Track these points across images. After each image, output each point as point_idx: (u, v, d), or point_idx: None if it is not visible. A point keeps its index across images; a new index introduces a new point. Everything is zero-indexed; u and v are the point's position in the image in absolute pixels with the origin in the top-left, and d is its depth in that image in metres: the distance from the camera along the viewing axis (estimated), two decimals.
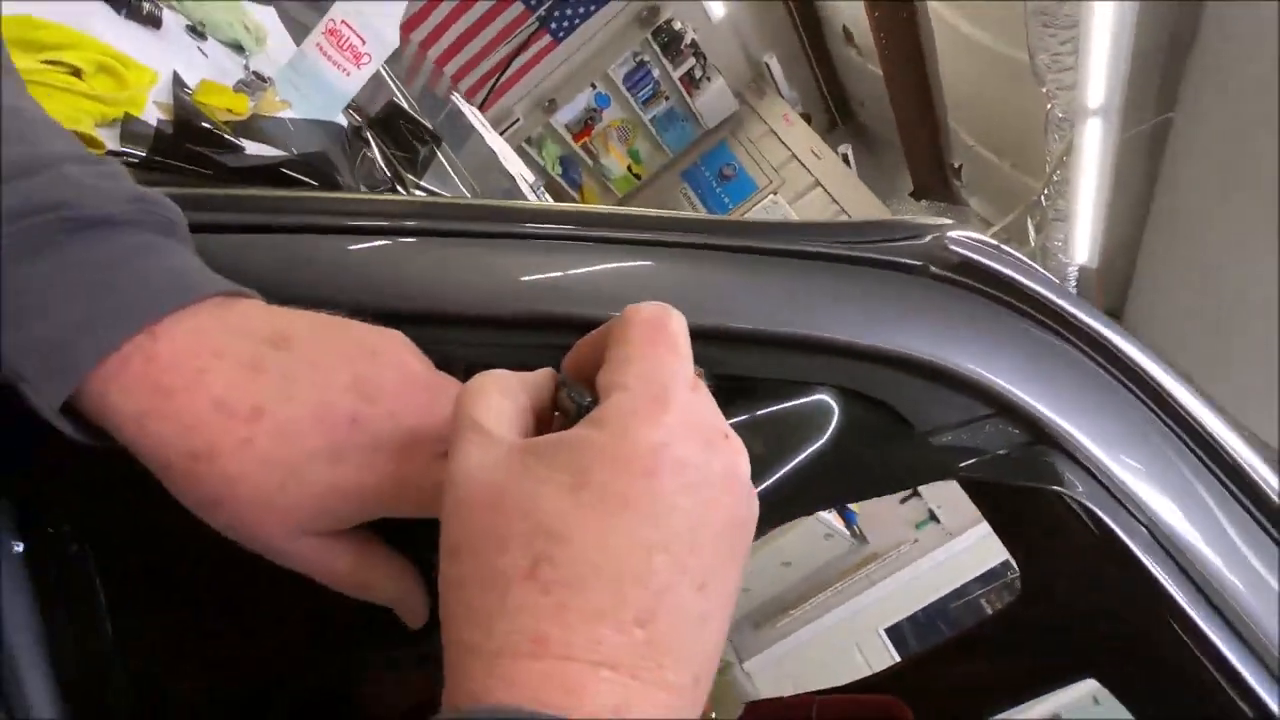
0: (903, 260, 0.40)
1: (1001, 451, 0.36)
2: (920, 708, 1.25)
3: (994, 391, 0.37)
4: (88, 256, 0.28)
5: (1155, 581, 0.35)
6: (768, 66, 4.72)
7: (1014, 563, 0.99)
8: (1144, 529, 0.36)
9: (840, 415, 0.37)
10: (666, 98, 4.66)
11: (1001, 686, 1.23)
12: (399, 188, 1.09)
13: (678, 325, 0.28)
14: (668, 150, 4.92)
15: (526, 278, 0.38)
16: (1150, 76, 2.45)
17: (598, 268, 0.39)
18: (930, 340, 0.37)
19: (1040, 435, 0.37)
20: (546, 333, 0.37)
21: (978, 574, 4.15)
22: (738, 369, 0.36)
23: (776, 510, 0.34)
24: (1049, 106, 2.69)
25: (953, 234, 0.42)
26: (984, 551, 4.08)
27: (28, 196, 0.28)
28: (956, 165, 4.46)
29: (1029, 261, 0.43)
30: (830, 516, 3.91)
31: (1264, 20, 2.06)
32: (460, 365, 0.35)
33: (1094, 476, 0.36)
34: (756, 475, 0.28)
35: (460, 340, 0.36)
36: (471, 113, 2.25)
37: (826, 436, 0.37)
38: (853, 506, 4.37)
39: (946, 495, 4.21)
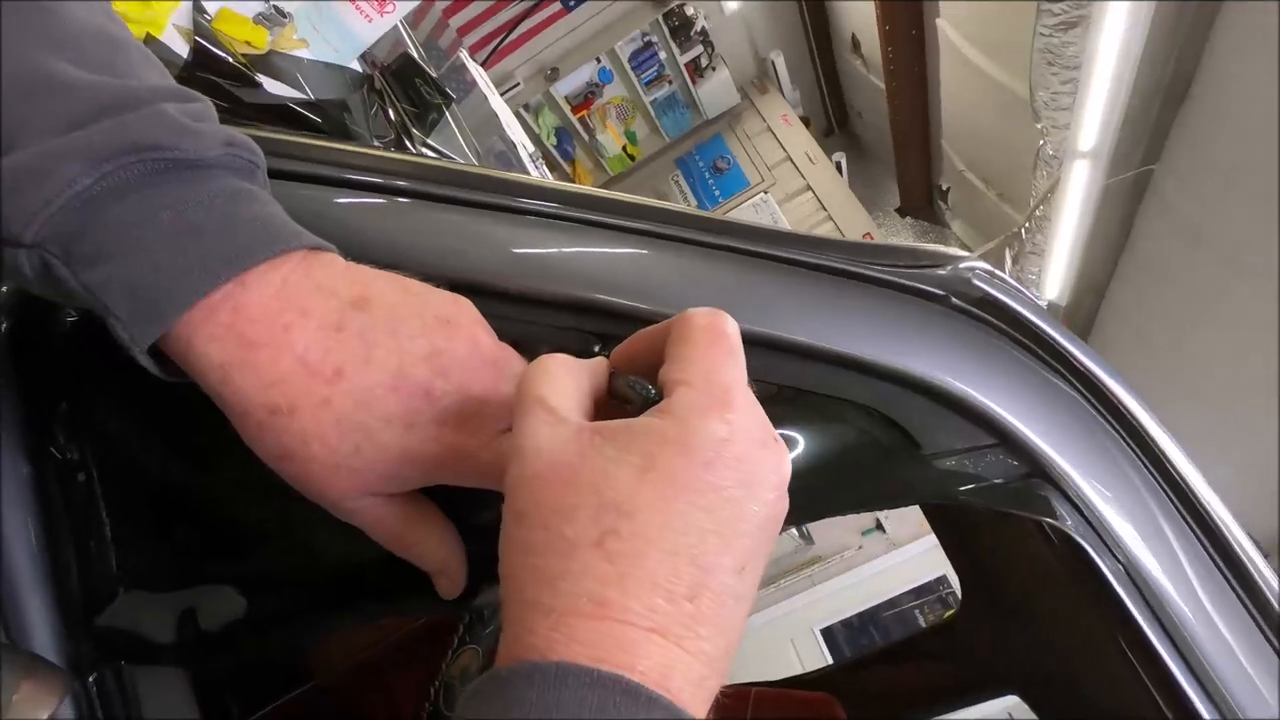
0: (925, 288, 0.42)
1: (999, 480, 0.39)
2: (851, 707, 1.30)
3: (999, 423, 0.39)
4: (180, 199, 0.28)
5: (1130, 617, 0.38)
6: (773, 65, 4.72)
7: (957, 579, 1.03)
8: (1122, 567, 0.38)
9: (854, 429, 0.39)
10: (670, 82, 4.63)
11: (928, 695, 1.29)
12: (406, 143, 1.07)
13: (735, 331, 0.30)
14: (665, 135, 4.89)
15: (568, 260, 0.39)
16: (1140, 126, 2.53)
17: (636, 258, 0.40)
18: (945, 368, 0.39)
19: (1036, 469, 0.39)
20: (579, 315, 0.38)
21: (913, 586, 4.29)
22: (766, 374, 0.37)
23: (789, 514, 0.35)
24: (1041, 143, 2.76)
25: (975, 266, 0.43)
26: (922, 565, 4.22)
27: (124, 135, 0.28)
28: (944, 188, 4.54)
29: (1036, 299, 0.45)
30: None
31: (1254, 85, 2.14)
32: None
33: (1081, 513, 0.39)
34: None
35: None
36: (476, 71, 2.21)
37: (840, 448, 0.38)
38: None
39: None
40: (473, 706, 0.24)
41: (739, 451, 0.27)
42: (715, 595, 0.25)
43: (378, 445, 0.30)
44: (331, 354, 0.30)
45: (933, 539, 1.02)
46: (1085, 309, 3.64)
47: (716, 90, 4.63)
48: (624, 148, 4.86)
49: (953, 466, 0.38)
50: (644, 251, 0.41)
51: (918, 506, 0.97)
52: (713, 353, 0.29)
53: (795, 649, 4.24)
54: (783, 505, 0.28)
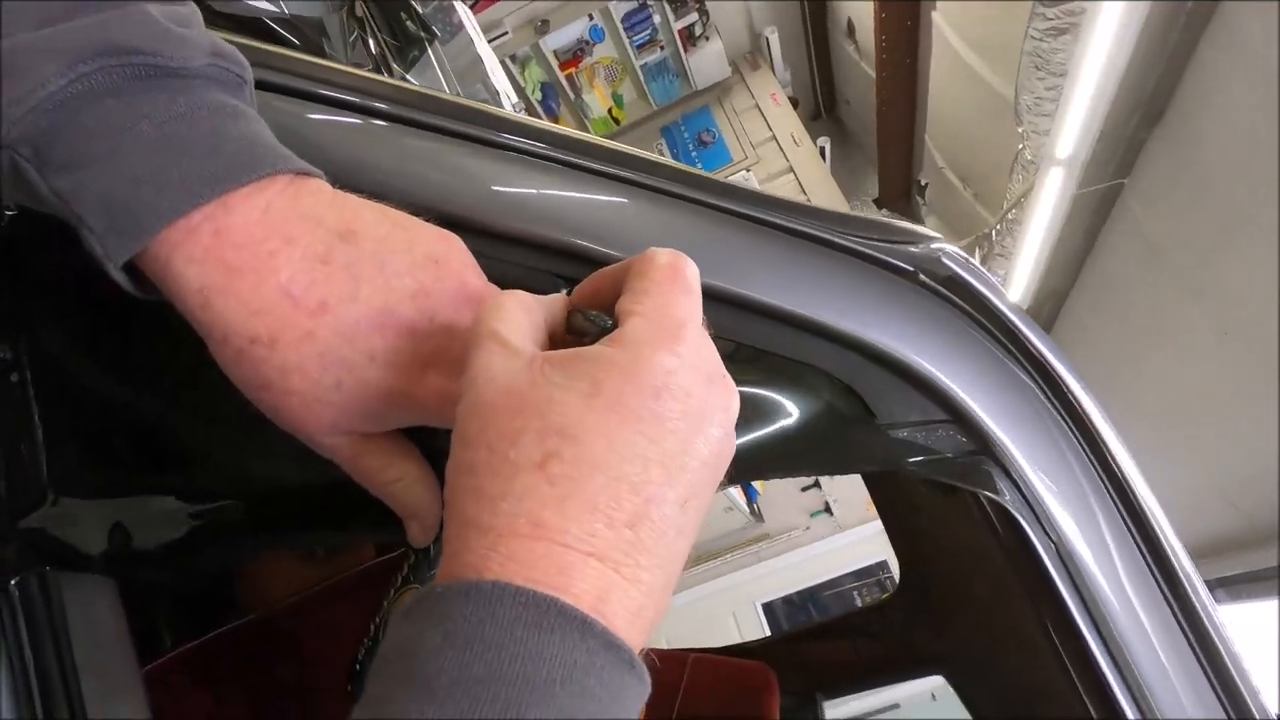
0: (895, 263, 0.42)
1: (947, 455, 0.40)
2: (784, 677, 1.35)
3: (953, 400, 0.40)
4: (160, 109, 0.27)
5: (1057, 594, 0.40)
6: (767, 41, 4.67)
7: (896, 561, 1.07)
8: (1054, 546, 0.40)
9: (811, 393, 0.39)
10: (662, 47, 4.55)
11: (858, 670, 1.34)
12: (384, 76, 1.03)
13: (693, 272, 0.30)
14: (652, 101, 4.82)
15: (545, 198, 0.38)
16: (1115, 140, 2.58)
17: (615, 206, 0.39)
18: (907, 342, 0.40)
19: (984, 447, 0.40)
20: (552, 258, 0.38)
21: (854, 569, 4.44)
22: (730, 332, 0.37)
23: (738, 469, 0.36)
24: (1021, 147, 2.79)
25: (945, 248, 0.44)
26: (865, 549, 4.36)
27: (104, 35, 0.26)
28: (923, 183, 4.59)
29: (1000, 288, 0.46)
30: (734, 492, 4.07)
31: (1229, 112, 2.19)
32: None
33: (1021, 492, 0.40)
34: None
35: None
36: (465, 13, 2.14)
37: (797, 410, 0.39)
38: (756, 486, 4.55)
39: (844, 492, 4.45)
40: (406, 621, 0.24)
41: (686, 384, 0.27)
42: (656, 525, 0.25)
43: (359, 382, 0.30)
44: (317, 286, 0.29)
45: (877, 525, 1.05)
46: (1045, 315, 3.74)
47: (708, 61, 4.57)
48: (609, 110, 4.77)
49: (904, 437, 0.39)
50: (623, 200, 0.40)
51: (866, 491, 1.00)
52: (668, 288, 0.29)
53: (736, 621, 4.36)
54: (729, 444, 0.29)
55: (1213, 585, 3.00)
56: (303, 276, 0.29)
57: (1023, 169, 2.89)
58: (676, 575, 0.27)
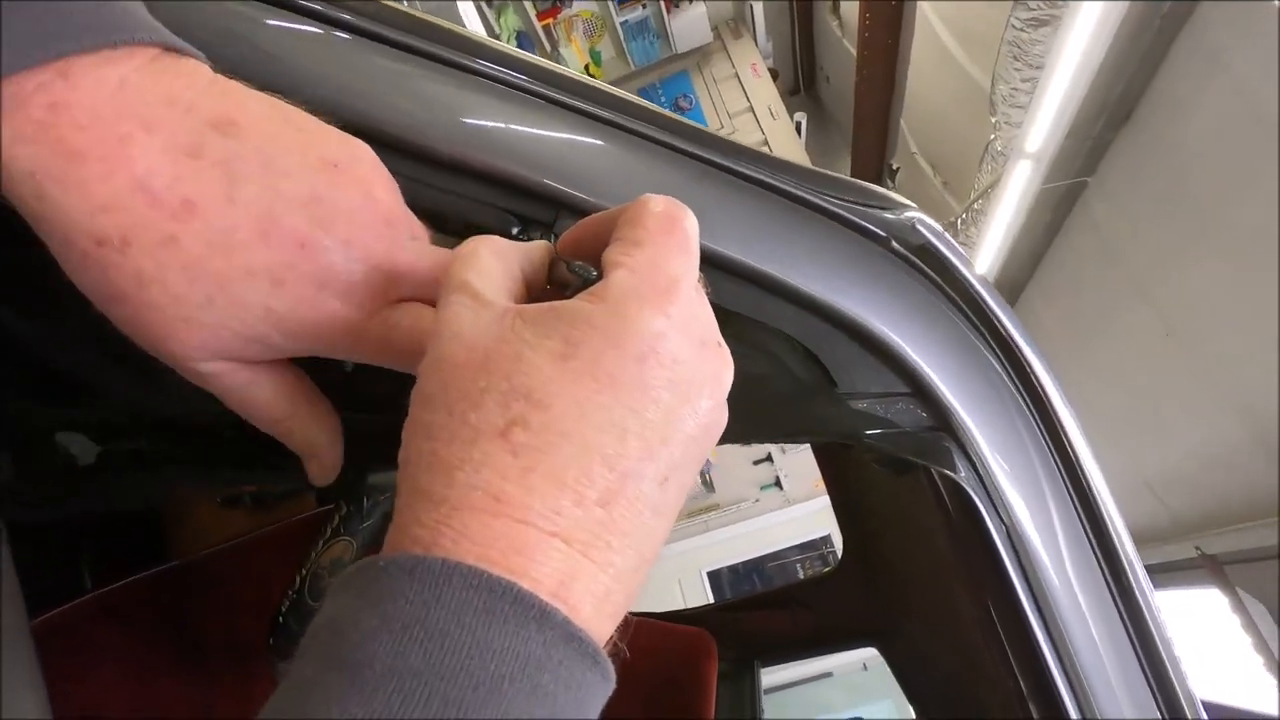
0: (869, 227, 0.40)
1: (906, 429, 0.38)
2: (723, 644, 1.37)
3: (916, 374, 0.38)
4: None
5: (1005, 575, 0.39)
6: (751, 9, 4.59)
7: (840, 536, 1.09)
8: (1005, 528, 0.39)
9: (773, 358, 0.37)
10: (644, 6, 4.43)
11: (794, 639, 1.38)
12: None
13: (692, 225, 0.27)
14: (630, 61, 4.70)
15: (502, 129, 0.35)
16: (1083, 138, 2.62)
17: (583, 145, 0.36)
18: (874, 310, 0.38)
19: (943, 423, 0.39)
20: (499, 190, 0.35)
21: (799, 542, 4.55)
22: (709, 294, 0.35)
23: None
24: (992, 137, 2.81)
25: (920, 216, 0.42)
26: (811, 523, 4.48)
27: None
28: (895, 167, 4.60)
29: (971, 262, 0.45)
30: None
31: (1193, 120, 2.24)
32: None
33: (976, 471, 0.39)
34: None
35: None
36: None
37: (757, 375, 0.37)
38: (709, 456, 4.60)
39: (794, 466, 4.54)
40: (343, 594, 0.21)
41: (675, 350, 0.24)
42: (630, 504, 0.23)
43: (235, 301, 0.25)
44: (182, 183, 0.24)
45: (825, 500, 1.06)
46: None
47: (690, 24, 4.47)
48: (586, 67, 4.64)
49: (863, 409, 0.38)
50: (595, 141, 0.37)
51: (816, 467, 1.01)
52: (662, 240, 0.25)
53: (681, 588, 4.44)
54: (720, 416, 0.26)
55: None
56: (164, 171, 0.24)
57: (992, 160, 2.91)
58: (652, 558, 0.24)
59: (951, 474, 0.38)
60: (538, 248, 0.28)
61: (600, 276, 0.25)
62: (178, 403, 0.35)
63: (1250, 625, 2.36)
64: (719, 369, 0.26)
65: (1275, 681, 2.27)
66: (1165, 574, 2.99)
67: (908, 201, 0.44)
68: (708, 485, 4.62)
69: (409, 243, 0.29)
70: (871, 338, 0.38)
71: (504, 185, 0.34)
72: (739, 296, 0.36)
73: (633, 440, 0.23)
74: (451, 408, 0.23)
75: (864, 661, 4.03)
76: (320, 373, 0.31)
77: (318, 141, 0.27)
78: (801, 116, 4.57)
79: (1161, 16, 2.16)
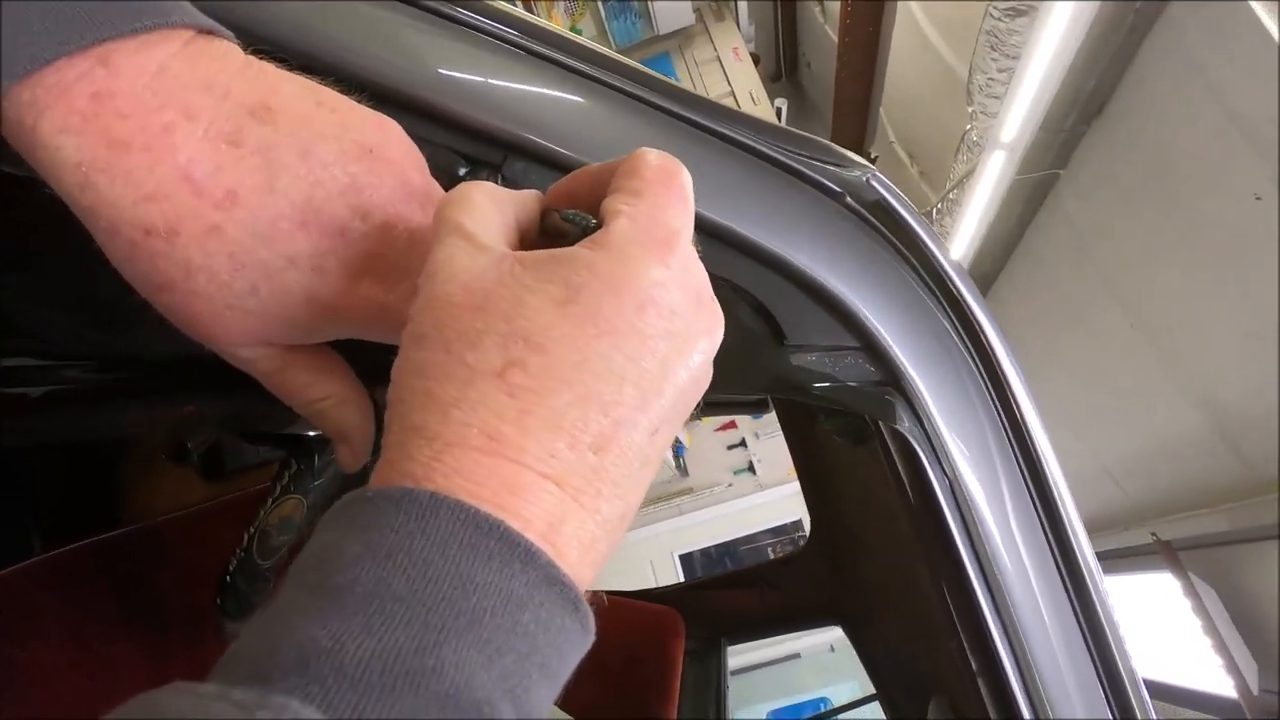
0: (825, 183, 0.40)
1: (853, 383, 0.39)
2: (692, 622, 1.38)
3: (865, 328, 0.38)
4: None
5: (945, 527, 0.40)
6: None
7: (807, 514, 1.10)
8: (949, 482, 0.40)
9: (724, 308, 0.37)
10: None
11: (760, 618, 1.40)
12: None
13: (688, 180, 0.27)
14: (612, 40, 4.65)
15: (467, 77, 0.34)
16: (1056, 131, 2.65)
17: (535, 85, 0.35)
18: (826, 264, 0.38)
19: (891, 378, 0.39)
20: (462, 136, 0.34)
21: (771, 526, 4.60)
22: None
23: None
24: (969, 127, 2.84)
25: (878, 176, 0.42)
26: (783, 508, 4.53)
27: None
28: (873, 156, 4.63)
29: (925, 220, 0.45)
30: None
31: (1162, 117, 2.27)
32: None
33: (922, 426, 0.39)
34: None
35: None
36: None
37: None
38: (683, 440, 4.62)
39: (767, 452, 4.58)
40: (330, 525, 0.21)
41: (673, 301, 0.24)
42: (622, 452, 0.23)
43: (278, 287, 0.26)
44: (224, 172, 0.24)
45: (797, 485, 1.07)
46: None
47: (672, 5, 4.43)
48: None
49: (811, 362, 0.38)
50: (548, 84, 0.37)
51: (786, 447, 1.01)
52: (662, 191, 0.26)
53: (653, 569, 4.47)
54: (707, 373, 0.26)
55: None
56: (206, 159, 0.24)
57: (968, 150, 2.94)
58: (635, 509, 0.24)
59: (896, 426, 0.38)
60: (531, 196, 0.29)
61: (599, 225, 0.25)
62: (133, 344, 0.35)
63: (1200, 609, 2.44)
64: (713, 324, 0.26)
65: (1222, 662, 2.36)
66: (1123, 559, 3.07)
67: (864, 160, 0.44)
68: (682, 469, 4.64)
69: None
70: (822, 291, 0.38)
71: (451, 125, 0.34)
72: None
73: (629, 388, 0.23)
74: (448, 346, 0.23)
75: (831, 643, 4.10)
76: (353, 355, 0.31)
77: (353, 125, 0.27)
78: (782, 103, 4.57)
79: (1135, 12, 2.18)
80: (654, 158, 0.27)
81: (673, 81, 0.39)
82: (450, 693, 0.17)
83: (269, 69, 0.27)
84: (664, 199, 0.26)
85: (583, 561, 0.22)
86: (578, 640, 0.21)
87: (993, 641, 0.43)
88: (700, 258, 0.37)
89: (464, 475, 0.21)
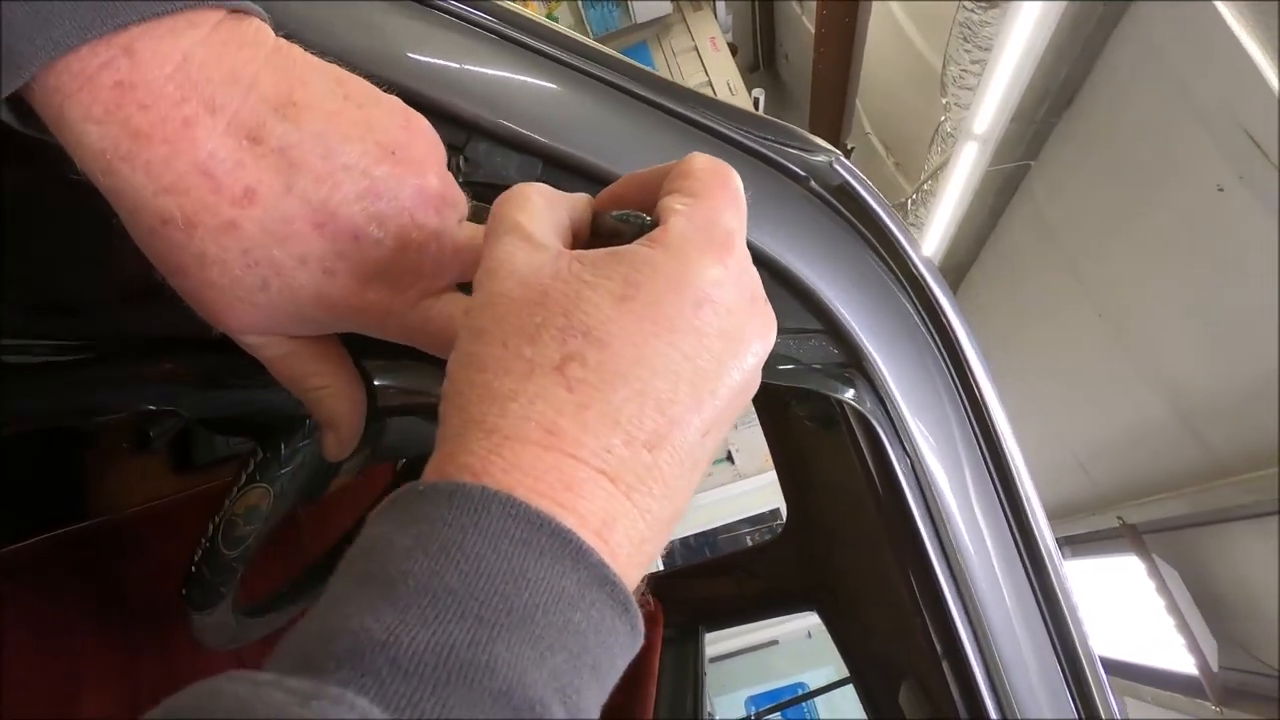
0: (789, 166, 0.40)
1: (817, 366, 0.39)
2: (670, 609, 1.39)
3: (829, 311, 0.39)
4: None
5: (906, 505, 0.40)
6: None
7: (784, 502, 1.11)
8: (909, 460, 0.41)
9: None
10: None
11: (738, 604, 1.41)
12: None
13: (740, 184, 0.27)
14: (589, 29, 4.62)
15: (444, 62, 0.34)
16: (1027, 122, 2.69)
17: (500, 67, 0.35)
18: (788, 245, 0.38)
19: (854, 360, 0.40)
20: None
21: (749, 515, 4.64)
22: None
23: None
24: (943, 119, 2.86)
25: (843, 160, 0.43)
26: (761, 497, 4.56)
27: None
28: (849, 147, 4.65)
29: (889, 205, 0.46)
30: None
31: (1128, 109, 2.32)
32: None
33: (885, 407, 0.40)
34: None
35: None
36: None
37: None
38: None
39: (746, 442, 4.61)
40: (381, 519, 0.21)
41: (730, 301, 0.24)
42: (675, 452, 0.23)
43: (289, 285, 0.26)
44: (244, 169, 0.24)
45: (774, 475, 1.08)
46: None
47: None
48: None
49: (775, 345, 0.38)
50: (512, 66, 0.36)
51: (761, 445, 1.02)
52: (719, 193, 0.26)
53: None
54: (757, 377, 0.26)
55: (1062, 542, 3.33)
56: (226, 155, 0.24)
57: (942, 141, 2.97)
58: (683, 513, 0.24)
59: (858, 406, 0.39)
60: (582, 199, 0.29)
61: (655, 223, 0.26)
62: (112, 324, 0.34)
63: (1164, 589, 2.51)
64: (767, 327, 0.26)
65: (1184, 641, 2.43)
66: (1090, 543, 3.15)
67: (828, 145, 0.45)
68: None
69: (457, 226, 0.29)
70: (785, 275, 0.38)
71: (413, 104, 0.33)
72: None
73: (684, 387, 0.23)
74: (506, 341, 0.23)
75: (809, 629, 4.15)
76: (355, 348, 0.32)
77: (377, 124, 0.27)
78: (760, 93, 4.58)
79: (1104, 5, 2.22)
80: (708, 161, 0.27)
81: (636, 64, 0.39)
82: (503, 689, 0.17)
83: (297, 55, 0.26)
84: (720, 201, 0.26)
85: (631, 562, 0.22)
86: (627, 643, 0.21)
87: (954, 622, 0.44)
88: None
89: (522, 470, 0.21)
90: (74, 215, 0.31)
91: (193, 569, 0.55)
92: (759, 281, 0.27)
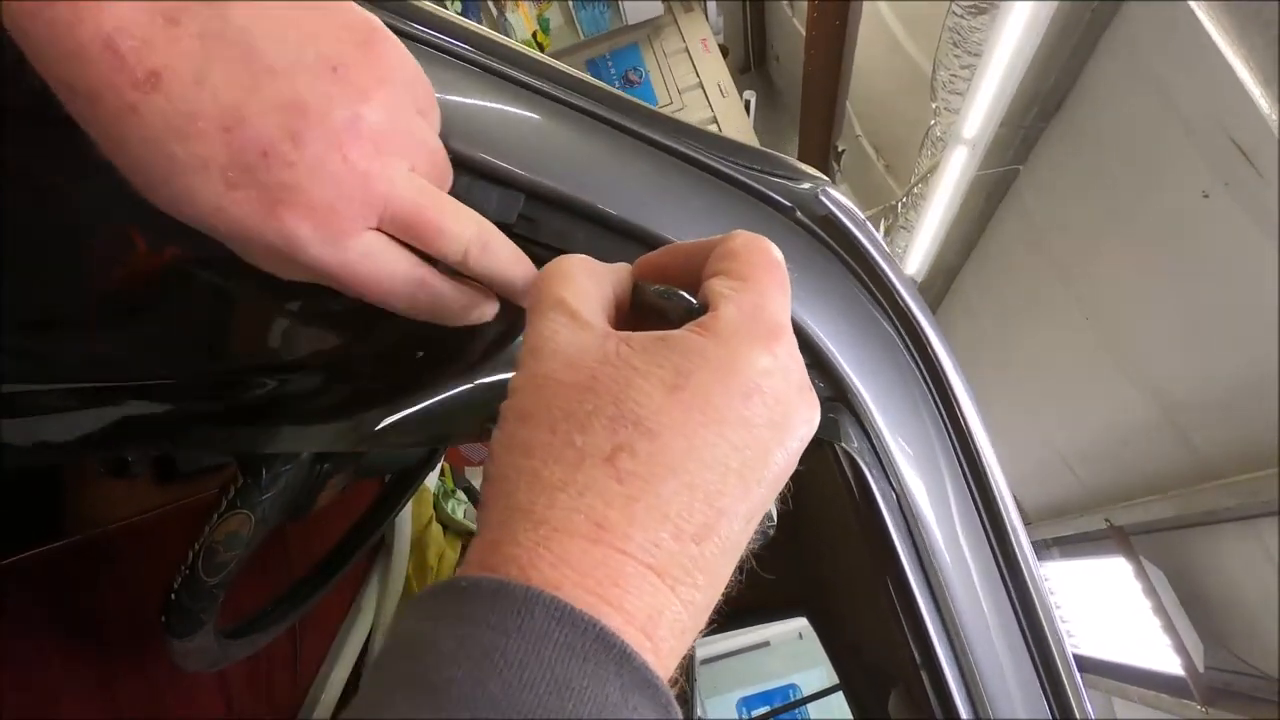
0: (775, 197, 0.40)
1: None
2: None
3: (814, 344, 0.39)
4: None
5: (889, 541, 0.40)
6: None
7: (774, 509, 1.11)
8: (894, 495, 0.40)
9: None
10: None
11: (729, 610, 1.41)
12: None
13: (784, 266, 0.27)
14: (580, 31, 4.61)
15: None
16: (1016, 128, 2.70)
17: (489, 106, 0.35)
18: None
19: (839, 393, 0.39)
20: None
21: None
22: (606, 260, 0.34)
23: None
24: (932, 123, 2.87)
25: (829, 190, 0.42)
26: None
27: None
28: (840, 149, 4.66)
29: (884, 245, 0.45)
30: None
31: (1115, 115, 2.33)
32: None
33: (870, 442, 0.40)
34: None
35: None
36: None
37: None
38: None
39: None
40: (419, 613, 0.20)
41: (778, 390, 0.24)
42: (722, 542, 0.22)
43: (187, 188, 0.24)
44: (153, 51, 0.22)
45: None
46: (936, 289, 3.94)
47: None
48: (534, 34, 4.53)
49: None
50: (484, 93, 0.36)
51: None
52: (767, 279, 0.26)
53: None
54: (795, 461, 0.26)
55: (1050, 544, 3.35)
56: (136, 31, 0.22)
57: (932, 145, 2.97)
58: (718, 597, 0.24)
59: (843, 445, 0.38)
60: (625, 270, 0.28)
61: (702, 308, 0.25)
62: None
63: (1150, 590, 2.53)
64: (811, 414, 0.26)
65: (1170, 641, 2.45)
66: (1078, 544, 3.17)
67: (816, 173, 0.44)
68: None
69: (397, 175, 0.26)
70: None
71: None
72: (634, 260, 0.36)
73: (733, 478, 0.23)
74: (554, 426, 0.22)
75: (800, 630, 4.16)
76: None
77: (325, 32, 0.25)
78: (751, 95, 4.57)
79: (1091, 12, 2.23)
80: (753, 240, 0.27)
81: (620, 93, 0.39)
82: None
83: None
84: (768, 287, 0.26)
85: (674, 652, 0.22)
86: None
87: (930, 635, 0.44)
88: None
89: (570, 565, 0.21)
90: (34, 221, 0.30)
91: (172, 596, 0.54)
92: (804, 367, 0.27)
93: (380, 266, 0.27)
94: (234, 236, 0.25)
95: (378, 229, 0.27)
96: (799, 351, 0.26)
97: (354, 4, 0.26)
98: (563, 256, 0.27)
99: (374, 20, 0.26)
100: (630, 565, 0.21)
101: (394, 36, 0.27)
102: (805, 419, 0.26)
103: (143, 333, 0.36)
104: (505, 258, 0.31)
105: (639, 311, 0.28)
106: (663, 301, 0.27)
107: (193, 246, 0.34)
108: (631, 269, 0.29)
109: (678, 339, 0.24)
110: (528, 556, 0.21)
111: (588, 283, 0.26)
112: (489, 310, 0.32)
